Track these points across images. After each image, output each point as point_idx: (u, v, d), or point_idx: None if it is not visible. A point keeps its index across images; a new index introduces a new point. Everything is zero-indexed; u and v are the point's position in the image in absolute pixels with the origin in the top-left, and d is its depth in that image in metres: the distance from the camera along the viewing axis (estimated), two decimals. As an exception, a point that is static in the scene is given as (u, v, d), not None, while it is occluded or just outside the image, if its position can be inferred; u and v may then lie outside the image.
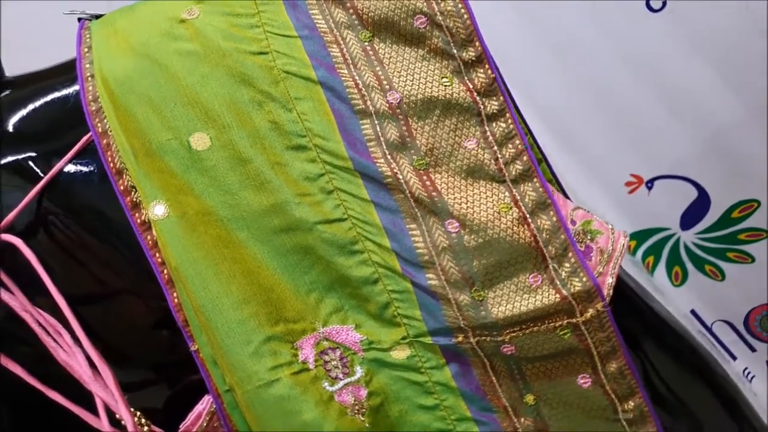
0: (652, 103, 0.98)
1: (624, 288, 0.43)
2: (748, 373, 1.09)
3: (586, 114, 0.99)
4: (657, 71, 0.95)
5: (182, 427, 0.42)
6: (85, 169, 0.40)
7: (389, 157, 0.37)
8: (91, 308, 0.41)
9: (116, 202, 0.39)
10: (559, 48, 0.93)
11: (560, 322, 0.37)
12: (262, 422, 0.37)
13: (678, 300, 1.06)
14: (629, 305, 0.42)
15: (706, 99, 0.98)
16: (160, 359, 0.43)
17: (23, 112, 0.41)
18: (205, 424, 0.43)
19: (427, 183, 0.37)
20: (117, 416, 0.40)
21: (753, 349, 1.10)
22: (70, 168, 0.40)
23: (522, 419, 0.39)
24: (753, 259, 1.10)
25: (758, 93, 0.95)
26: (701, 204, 1.09)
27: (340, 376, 0.38)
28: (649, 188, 1.07)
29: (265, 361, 0.37)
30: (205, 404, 0.43)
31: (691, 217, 1.10)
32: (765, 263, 1.08)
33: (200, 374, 0.43)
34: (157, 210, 0.37)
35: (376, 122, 0.37)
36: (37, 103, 0.41)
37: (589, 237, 0.41)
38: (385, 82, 0.38)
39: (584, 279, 0.37)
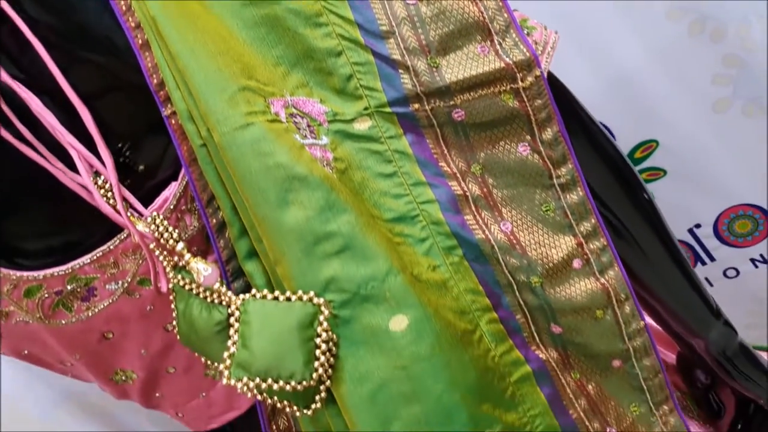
0: (560, 48, 1.07)
1: (564, 90, 0.49)
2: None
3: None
4: (564, 19, 1.04)
5: (148, 209, 0.44)
6: None
7: None
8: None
9: None
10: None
11: (504, 87, 0.42)
12: (238, 164, 0.39)
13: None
14: (567, 99, 0.48)
15: (611, 43, 1.07)
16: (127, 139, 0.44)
17: None
18: (172, 207, 0.44)
19: None
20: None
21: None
22: None
23: (470, 185, 0.44)
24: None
25: (658, 37, 1.05)
26: (608, 145, 1.18)
27: (309, 136, 0.41)
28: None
29: (241, 107, 0.39)
30: (171, 189, 0.45)
31: (599, 158, 1.19)
32: (662, 202, 1.20)
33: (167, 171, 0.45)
34: None
35: None
36: None
37: (525, 32, 0.47)
38: None
39: (524, 50, 0.43)
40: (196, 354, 0.44)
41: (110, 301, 0.45)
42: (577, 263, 0.45)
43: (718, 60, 1.07)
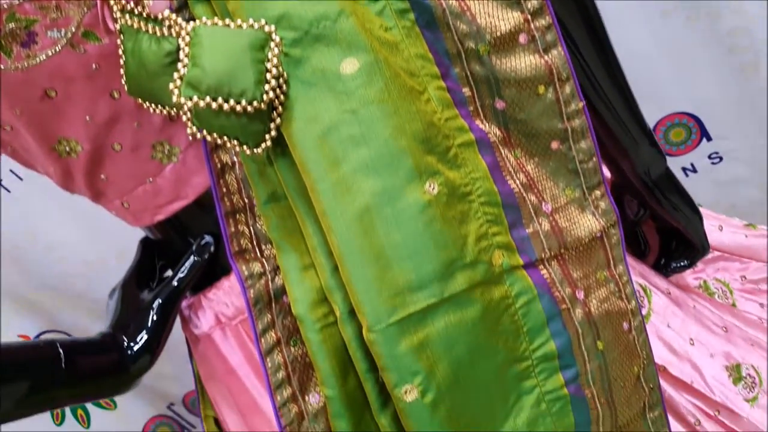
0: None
1: None
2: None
3: None
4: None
5: None
6: None
7: None
8: None
9: None
10: None
11: None
12: None
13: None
14: None
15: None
16: None
17: None
18: None
19: None
20: None
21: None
22: None
23: None
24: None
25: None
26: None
27: None
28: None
29: None
30: None
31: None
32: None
33: None
34: None
35: None
36: None
37: None
38: None
39: None
40: (146, 105, 0.44)
41: (52, 51, 0.44)
42: (522, 38, 0.47)
43: (666, -38, 1.09)
